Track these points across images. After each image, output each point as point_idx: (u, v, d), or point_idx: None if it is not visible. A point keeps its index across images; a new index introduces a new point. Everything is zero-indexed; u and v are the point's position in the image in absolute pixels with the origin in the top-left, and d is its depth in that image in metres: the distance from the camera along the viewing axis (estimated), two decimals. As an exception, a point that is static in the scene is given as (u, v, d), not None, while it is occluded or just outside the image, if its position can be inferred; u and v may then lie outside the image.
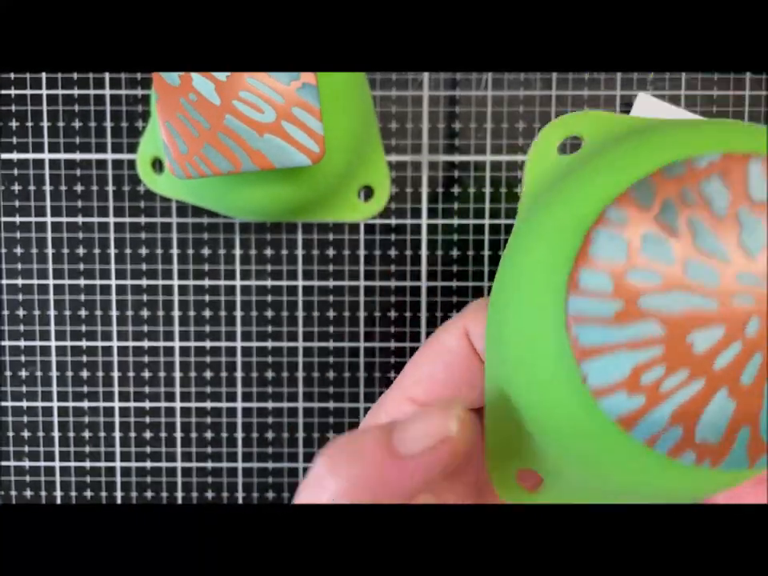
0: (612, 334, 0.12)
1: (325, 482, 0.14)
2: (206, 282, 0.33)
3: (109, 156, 0.32)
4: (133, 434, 0.33)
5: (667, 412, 0.12)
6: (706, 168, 0.12)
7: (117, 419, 0.33)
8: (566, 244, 0.13)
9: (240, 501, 0.33)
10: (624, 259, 0.12)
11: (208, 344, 0.33)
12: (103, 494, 0.33)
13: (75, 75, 0.32)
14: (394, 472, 0.14)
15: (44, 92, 0.32)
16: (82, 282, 0.33)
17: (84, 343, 0.33)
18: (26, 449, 0.33)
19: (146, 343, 0.33)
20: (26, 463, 0.33)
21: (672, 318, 0.11)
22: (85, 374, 0.33)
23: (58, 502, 0.33)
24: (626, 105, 0.32)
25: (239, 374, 0.33)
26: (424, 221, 0.32)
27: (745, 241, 0.11)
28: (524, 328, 0.13)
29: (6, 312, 0.33)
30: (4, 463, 0.33)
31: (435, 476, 0.14)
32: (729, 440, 0.12)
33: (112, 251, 0.33)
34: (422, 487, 0.14)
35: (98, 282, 0.33)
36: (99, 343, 0.33)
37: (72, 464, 0.33)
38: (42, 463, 0.33)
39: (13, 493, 0.33)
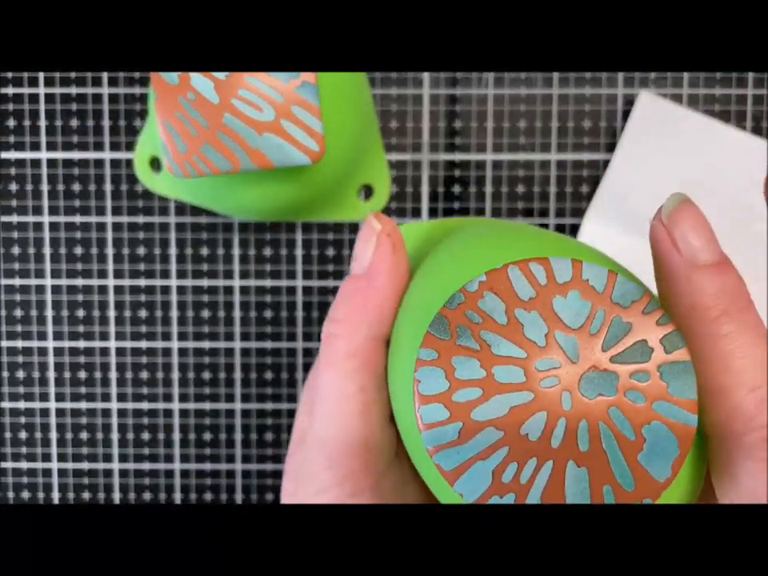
0: (465, 451, 0.14)
1: (334, 336, 0.17)
2: (205, 282, 0.33)
3: (107, 155, 0.32)
4: (131, 436, 0.33)
5: (536, 498, 0.13)
6: (477, 289, 0.14)
7: (115, 420, 0.33)
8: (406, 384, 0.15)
9: (239, 503, 0.33)
10: (446, 385, 0.14)
11: (206, 345, 0.33)
12: (101, 495, 0.33)
13: (73, 74, 0.32)
14: (368, 285, 0.17)
15: (41, 90, 0.32)
16: (79, 282, 0.33)
17: (82, 344, 0.33)
18: (24, 450, 0.33)
19: (143, 344, 0.33)
20: (24, 465, 0.33)
21: (502, 419, 0.14)
22: (83, 375, 0.33)
23: (56, 503, 0.33)
24: (628, 103, 0.32)
25: (238, 375, 0.33)
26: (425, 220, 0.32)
27: (529, 335, 0.14)
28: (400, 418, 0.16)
29: (3, 312, 0.33)
30: (1, 465, 0.33)
31: (395, 263, 0.17)
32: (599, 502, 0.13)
33: (110, 251, 0.33)
34: (398, 281, 0.17)
35: (95, 282, 0.33)
36: (97, 344, 0.33)
37: (70, 465, 0.33)
38: (39, 465, 0.33)
39: (10, 494, 0.33)
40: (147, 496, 0.33)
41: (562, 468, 0.13)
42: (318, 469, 0.17)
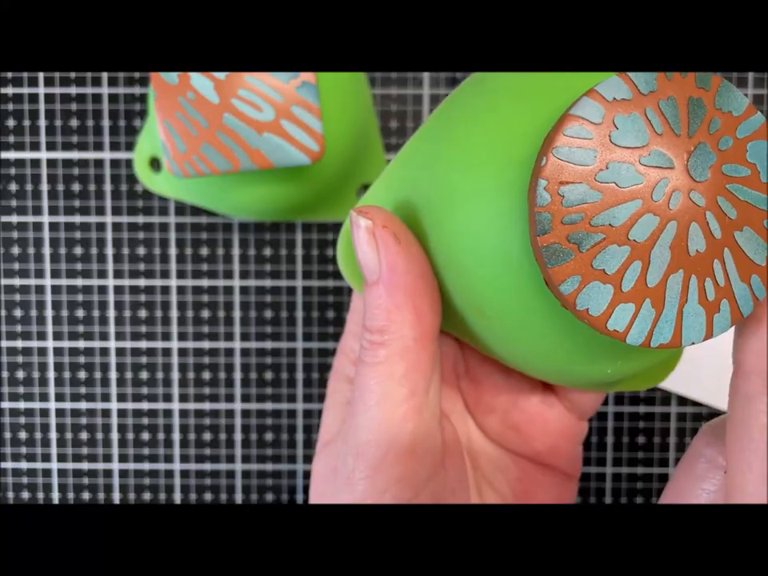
0: (669, 315, 0.14)
1: (380, 344, 0.16)
2: (205, 282, 0.33)
3: (106, 155, 0.32)
4: (131, 436, 0.33)
5: (739, 285, 0.14)
6: (550, 197, 0.13)
7: (114, 421, 0.33)
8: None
9: (239, 503, 0.33)
10: (610, 289, 0.13)
11: (206, 345, 0.33)
12: (101, 495, 0.33)
13: (73, 74, 0.32)
14: (398, 289, 0.16)
15: (41, 90, 0.32)
16: (79, 282, 0.33)
17: (81, 344, 0.33)
18: (24, 450, 0.33)
19: (143, 344, 0.33)
20: (24, 465, 0.33)
21: (673, 262, 0.14)
22: (82, 375, 0.33)
23: (56, 503, 0.33)
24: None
25: (238, 375, 0.33)
26: (424, 220, 0.32)
27: (625, 184, 0.13)
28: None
29: (3, 312, 0.33)
30: (1, 465, 0.33)
31: (401, 252, 0.16)
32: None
33: (110, 251, 0.33)
34: (415, 267, 0.16)
35: (95, 282, 0.33)
36: (97, 344, 0.33)
37: (70, 466, 0.33)
38: (39, 465, 0.33)
39: (10, 494, 0.33)
40: (147, 496, 0.33)
41: (736, 245, 0.14)
42: (357, 477, 0.16)
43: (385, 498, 0.16)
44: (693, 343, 0.14)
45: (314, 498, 0.19)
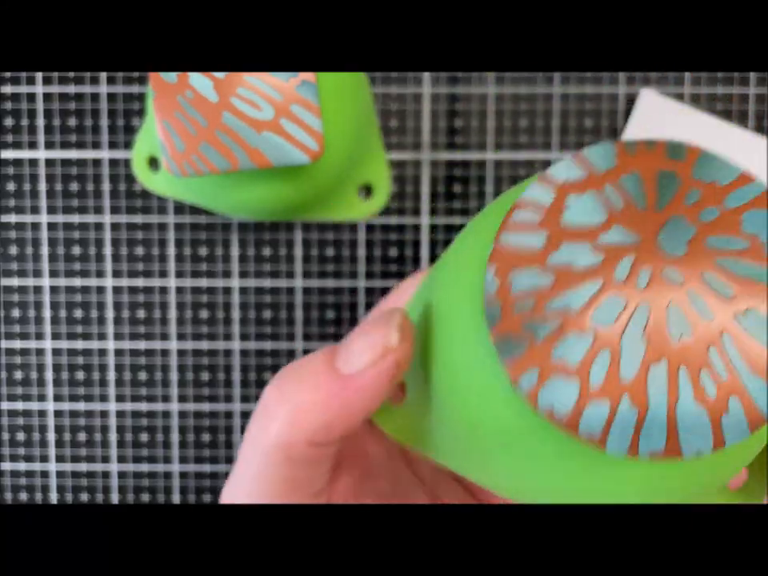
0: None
1: (272, 411, 0.14)
2: (203, 283, 0.32)
3: (105, 154, 0.32)
4: (129, 437, 0.33)
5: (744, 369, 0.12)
6: (499, 282, 0.12)
7: (113, 422, 0.33)
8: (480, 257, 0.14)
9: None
10: (576, 384, 0.12)
11: (205, 345, 0.33)
12: (99, 497, 0.33)
13: (71, 73, 0.32)
14: (340, 392, 0.14)
15: (39, 89, 0.32)
16: (77, 282, 0.33)
17: (80, 345, 0.33)
18: (22, 451, 0.33)
19: (142, 345, 0.33)
20: (22, 466, 0.33)
21: (653, 346, 0.12)
22: (81, 376, 0.33)
23: (54, 504, 0.33)
24: (630, 102, 0.31)
25: (237, 376, 0.33)
26: (424, 220, 0.32)
27: (583, 262, 0.12)
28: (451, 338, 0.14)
29: (1, 313, 0.33)
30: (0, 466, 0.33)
31: (382, 392, 0.14)
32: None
33: (108, 251, 0.32)
34: (371, 406, 0.14)
35: (93, 282, 0.33)
36: (95, 345, 0.33)
37: (68, 467, 0.33)
38: (37, 466, 0.33)
39: (8, 495, 0.33)
40: (146, 497, 0.33)
41: (738, 329, 0.12)
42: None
43: None
44: (700, 453, 0.11)
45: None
